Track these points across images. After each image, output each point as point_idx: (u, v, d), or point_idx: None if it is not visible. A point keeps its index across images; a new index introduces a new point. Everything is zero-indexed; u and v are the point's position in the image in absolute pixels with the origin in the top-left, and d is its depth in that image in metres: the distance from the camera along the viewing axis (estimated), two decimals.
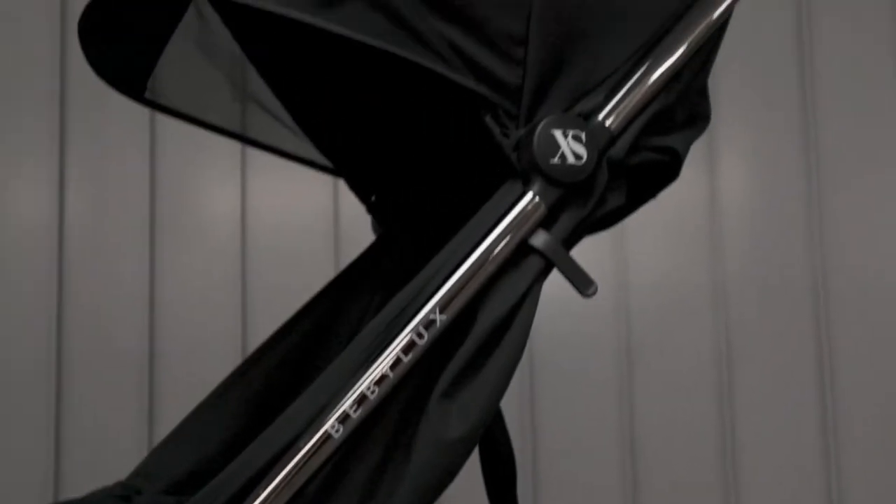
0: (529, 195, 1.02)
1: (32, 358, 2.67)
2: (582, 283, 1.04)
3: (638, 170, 1.11)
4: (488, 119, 1.03)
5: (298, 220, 2.98)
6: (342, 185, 1.49)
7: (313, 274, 2.87)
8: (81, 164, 3.03)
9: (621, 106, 1.07)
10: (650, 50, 1.11)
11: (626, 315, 2.77)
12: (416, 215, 1.42)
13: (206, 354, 2.75)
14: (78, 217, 2.99)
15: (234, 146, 1.72)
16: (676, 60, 1.11)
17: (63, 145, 3.00)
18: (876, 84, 2.93)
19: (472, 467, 1.16)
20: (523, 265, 1.02)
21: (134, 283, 2.89)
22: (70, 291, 2.85)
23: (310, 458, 0.94)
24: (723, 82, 2.81)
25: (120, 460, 1.46)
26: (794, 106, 2.93)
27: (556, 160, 1.02)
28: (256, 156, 1.43)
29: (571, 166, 1.02)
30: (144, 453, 1.36)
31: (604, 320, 2.76)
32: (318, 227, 2.96)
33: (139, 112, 1.23)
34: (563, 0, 1.06)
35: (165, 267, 2.95)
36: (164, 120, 1.33)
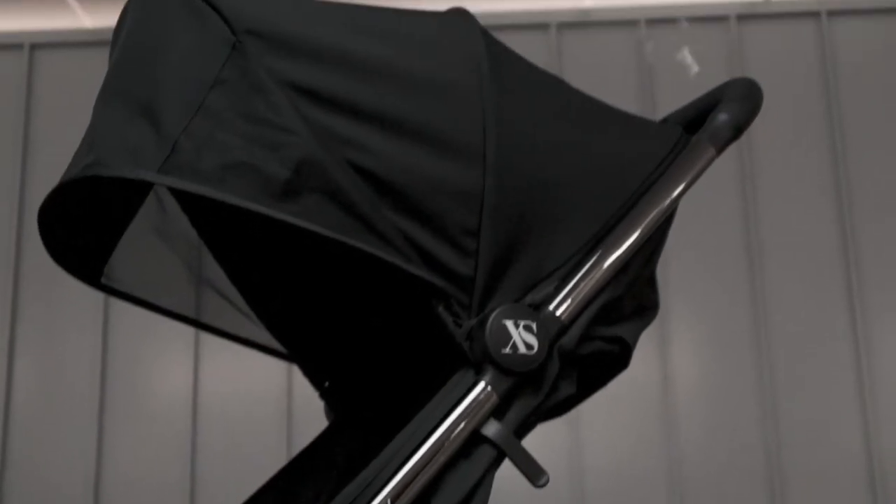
0: (481, 385, 1.02)
1: None
2: (534, 473, 1.03)
3: (588, 359, 1.13)
4: (441, 309, 1.04)
5: (251, 401, 2.95)
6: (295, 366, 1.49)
7: (265, 456, 2.83)
8: (32, 343, 3.01)
9: (572, 296, 1.09)
10: (600, 241, 1.14)
11: (582, 498, 2.75)
12: (369, 403, 1.42)
13: None
14: (26, 395, 2.95)
15: (187, 328, 1.73)
16: (626, 251, 1.14)
17: (14, 325, 2.98)
18: (824, 264, 3.01)
19: None
20: (475, 455, 1.02)
21: (80, 462, 2.83)
22: (14, 467, 2.79)
23: None
24: (672, 266, 2.87)
25: None
26: (744, 289, 2.99)
27: (507, 350, 1.03)
28: (210, 337, 1.44)
29: (523, 356, 1.03)
30: None
31: (560, 502, 2.74)
32: (271, 408, 2.93)
33: (93, 292, 1.24)
34: (514, 193, 1.09)
35: (113, 447, 2.89)
36: (117, 300, 1.34)
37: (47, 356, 3.00)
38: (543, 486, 1.03)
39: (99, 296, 2.81)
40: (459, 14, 1.18)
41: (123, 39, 1.08)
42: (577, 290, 1.10)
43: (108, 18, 3.03)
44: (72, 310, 2.98)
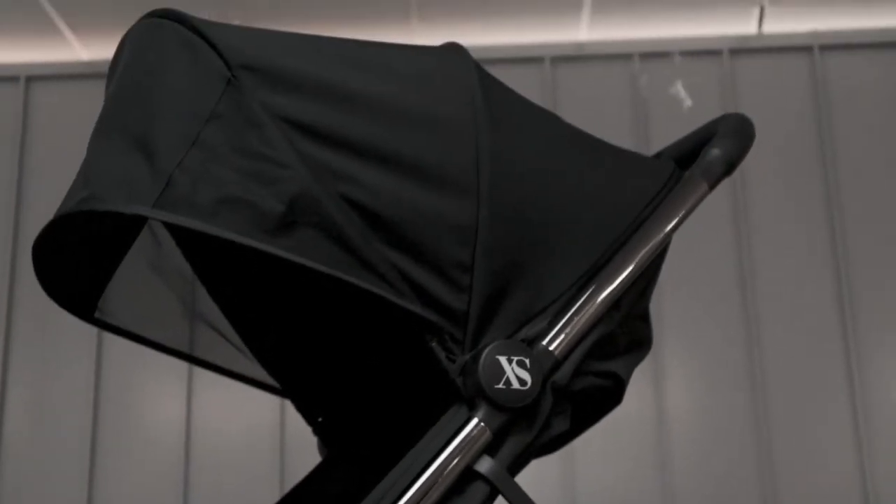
0: (475, 420, 1.02)
1: None
2: None
3: (582, 394, 1.12)
4: (434, 344, 1.04)
5: (245, 434, 2.94)
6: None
7: (258, 489, 2.82)
8: (25, 373, 2.99)
9: (565, 332, 1.09)
10: (594, 276, 1.14)
11: None
12: (362, 438, 1.41)
13: None
14: (18, 425, 2.93)
15: (181, 361, 1.73)
16: (619, 286, 1.14)
17: (7, 355, 2.97)
18: (817, 298, 3.01)
19: None
20: (468, 492, 1.01)
21: (72, 493, 2.82)
22: (5, 498, 2.77)
23: None
24: (666, 301, 2.87)
25: None
26: (738, 324, 2.99)
27: (501, 385, 1.03)
28: (204, 370, 1.44)
29: (516, 391, 1.03)
30: None
31: None
32: (264, 441, 2.92)
33: (86, 326, 1.24)
34: (507, 228, 1.09)
35: (106, 479, 2.88)
36: (110, 335, 1.34)
37: (40, 387, 2.99)
38: None
39: (93, 327, 2.81)
40: (453, 49, 1.19)
41: (120, 73, 1.08)
42: (571, 325, 1.10)
43: (104, 51, 3.04)
44: (65, 340, 2.97)
